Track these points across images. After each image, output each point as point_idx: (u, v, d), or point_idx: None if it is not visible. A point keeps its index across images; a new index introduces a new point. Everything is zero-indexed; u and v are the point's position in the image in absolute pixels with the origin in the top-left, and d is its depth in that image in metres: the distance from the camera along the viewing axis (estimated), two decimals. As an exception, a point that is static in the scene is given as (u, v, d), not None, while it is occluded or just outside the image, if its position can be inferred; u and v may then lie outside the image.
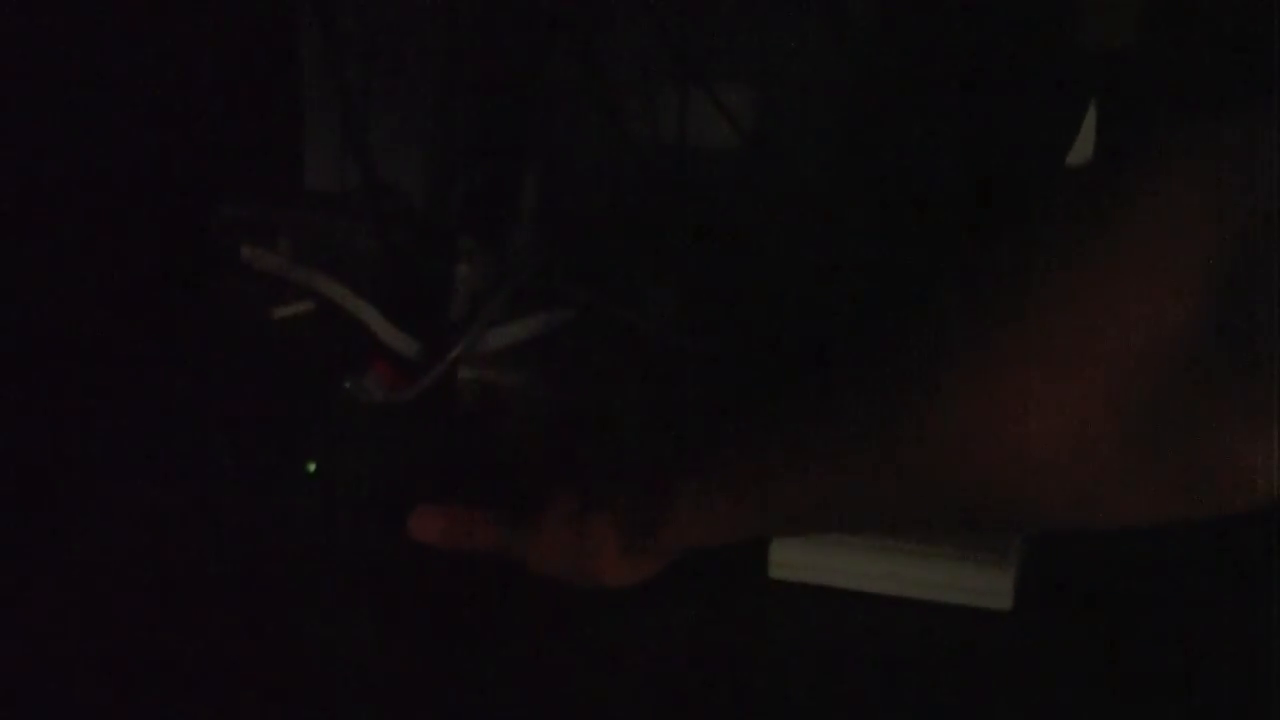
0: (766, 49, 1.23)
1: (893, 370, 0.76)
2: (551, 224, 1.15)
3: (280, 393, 1.11)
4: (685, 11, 1.22)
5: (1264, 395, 0.68)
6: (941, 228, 1.14)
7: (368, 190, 1.23)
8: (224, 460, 1.03)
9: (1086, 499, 0.73)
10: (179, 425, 1.07)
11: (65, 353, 1.12)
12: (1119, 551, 0.94)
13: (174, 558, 0.96)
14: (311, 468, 1.03)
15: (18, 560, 0.94)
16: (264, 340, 1.16)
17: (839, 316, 1.13)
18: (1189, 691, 0.85)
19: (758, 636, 0.91)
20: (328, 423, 1.07)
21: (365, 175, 1.23)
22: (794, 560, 0.92)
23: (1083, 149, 1.13)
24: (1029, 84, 1.14)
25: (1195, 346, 0.68)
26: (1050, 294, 0.72)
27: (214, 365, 1.13)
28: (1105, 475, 0.71)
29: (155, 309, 1.15)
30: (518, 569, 0.93)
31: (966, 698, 0.86)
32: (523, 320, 1.11)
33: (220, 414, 1.08)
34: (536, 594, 0.93)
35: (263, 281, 1.17)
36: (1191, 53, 0.78)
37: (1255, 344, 0.68)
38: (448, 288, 1.12)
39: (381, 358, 1.11)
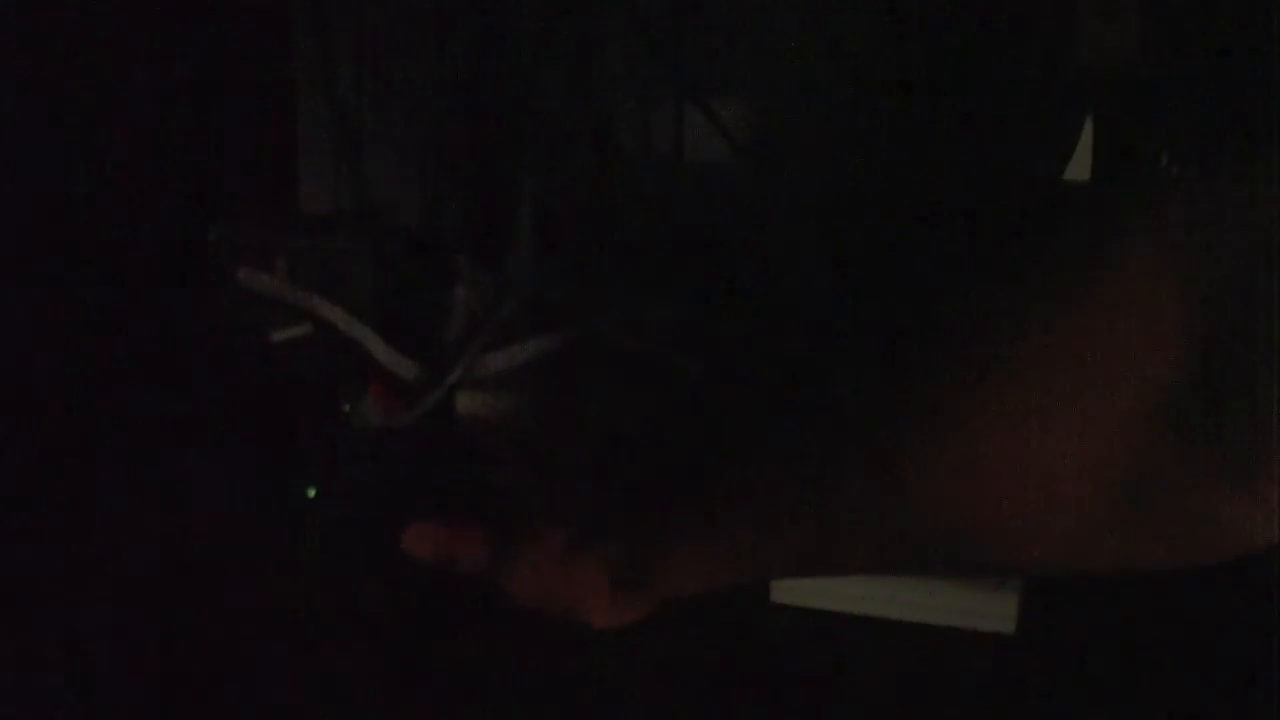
0: (762, 63, 1.23)
1: (882, 421, 0.76)
2: (548, 243, 1.14)
3: (278, 417, 1.10)
4: (679, 26, 1.21)
5: (1246, 451, 0.68)
6: (938, 243, 1.14)
7: (364, 212, 1.23)
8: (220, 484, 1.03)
9: (1071, 551, 0.73)
10: (175, 450, 1.06)
11: (60, 375, 1.11)
12: (1123, 578, 0.94)
13: (169, 582, 0.96)
14: (311, 492, 1.03)
15: (13, 580, 0.94)
16: (261, 364, 1.15)
17: (836, 330, 1.13)
18: (1195, 715, 0.85)
19: (760, 661, 0.90)
20: (326, 447, 1.07)
21: (361, 197, 1.23)
22: (796, 584, 0.92)
23: (1079, 163, 1.13)
24: (1026, 100, 1.14)
25: (1178, 404, 0.68)
26: (1034, 351, 0.72)
27: (211, 389, 1.12)
28: (1089, 529, 0.72)
29: (151, 332, 1.15)
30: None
31: (971, 723, 0.86)
32: (521, 343, 1.10)
33: (217, 439, 1.07)
34: (533, 617, 0.93)
35: (259, 304, 1.16)
36: (1190, 90, 0.78)
37: (1237, 402, 0.68)
38: (445, 310, 1.12)
39: (379, 381, 1.11)
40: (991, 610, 0.90)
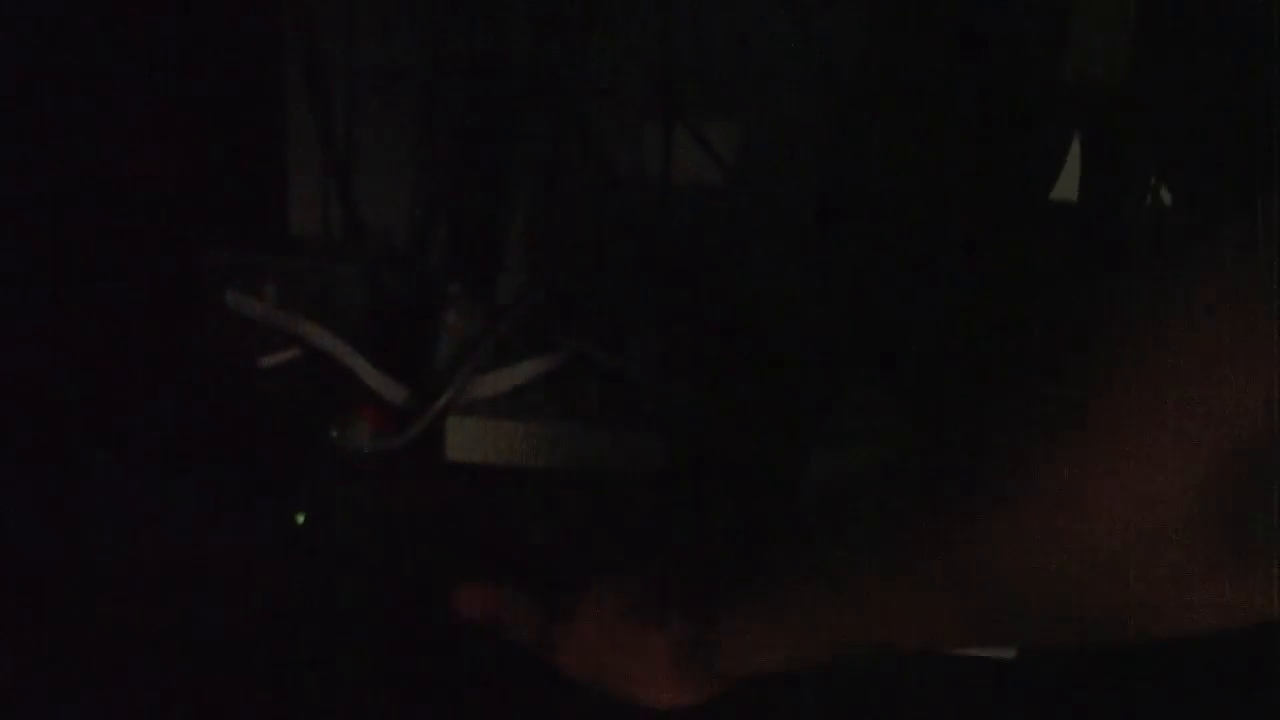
0: (751, 85, 1.23)
1: (947, 475, 0.71)
2: (537, 267, 1.14)
3: (267, 441, 1.10)
4: (668, 48, 1.21)
5: None
6: (926, 262, 1.14)
7: (353, 236, 1.22)
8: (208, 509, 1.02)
9: (1178, 592, 0.68)
10: (164, 474, 1.06)
11: (49, 399, 1.11)
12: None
13: (155, 607, 0.95)
14: (300, 518, 1.02)
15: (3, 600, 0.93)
16: (250, 388, 1.14)
17: (825, 352, 1.13)
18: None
19: (762, 684, 0.90)
20: (316, 472, 1.07)
21: (351, 221, 1.22)
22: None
23: (1066, 182, 1.13)
24: (1014, 117, 1.14)
25: (1270, 442, 0.64)
26: (1126, 381, 0.67)
27: (199, 413, 1.12)
28: (1194, 563, 0.67)
29: (140, 356, 1.14)
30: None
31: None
32: (511, 366, 1.10)
33: (206, 463, 1.07)
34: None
35: (248, 329, 1.16)
36: (1178, 109, 0.77)
37: None
38: (435, 334, 1.11)
39: (369, 405, 1.10)
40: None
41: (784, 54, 1.20)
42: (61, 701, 0.89)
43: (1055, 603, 0.69)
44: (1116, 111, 1.06)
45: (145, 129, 1.18)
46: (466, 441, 1.08)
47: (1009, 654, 0.90)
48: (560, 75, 1.21)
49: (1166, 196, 1.03)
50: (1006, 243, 1.10)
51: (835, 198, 1.18)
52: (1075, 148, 1.12)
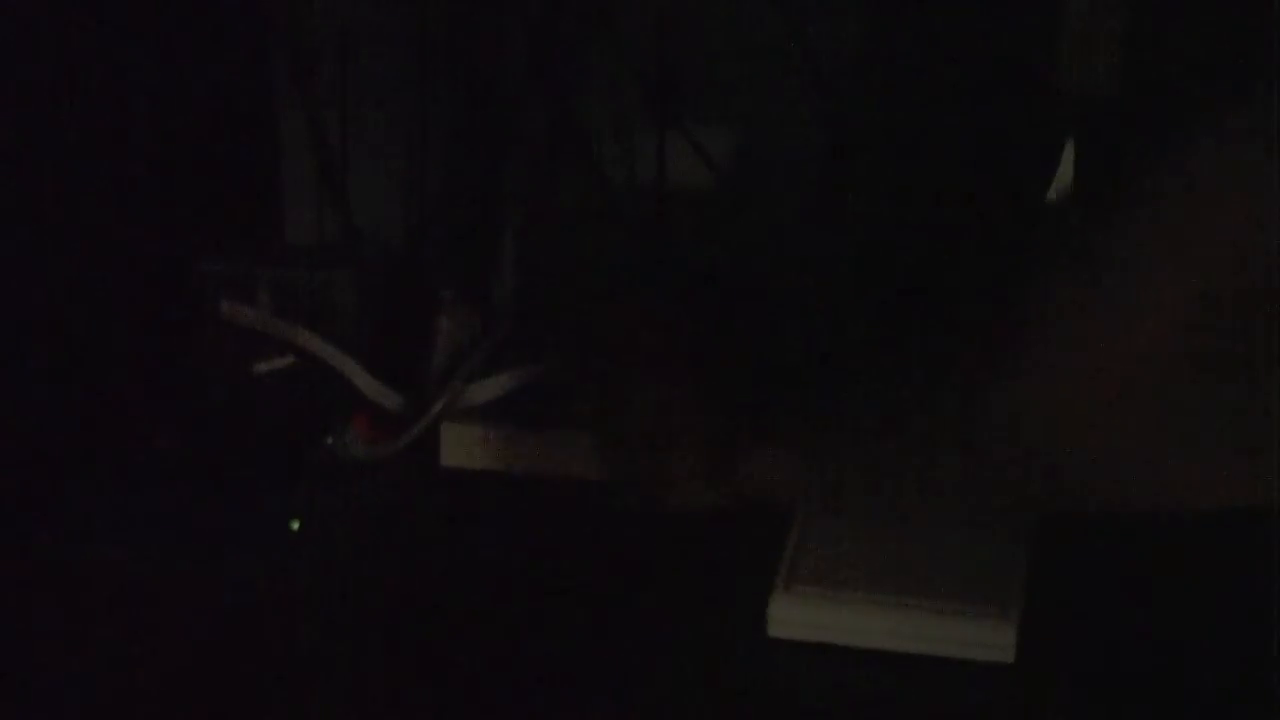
0: (745, 91, 1.23)
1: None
2: (531, 273, 1.14)
3: (262, 449, 1.09)
4: (663, 54, 1.21)
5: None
6: (921, 268, 1.14)
7: (347, 243, 1.22)
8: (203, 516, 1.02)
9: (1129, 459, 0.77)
10: (158, 483, 1.06)
11: (42, 409, 1.10)
12: (1121, 604, 0.94)
13: (152, 616, 0.95)
14: (295, 525, 1.02)
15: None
16: (244, 396, 1.14)
17: (821, 358, 1.13)
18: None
19: (759, 695, 0.90)
20: (311, 479, 1.07)
21: (344, 228, 1.22)
22: (793, 618, 0.92)
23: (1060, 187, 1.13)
24: (1009, 123, 1.14)
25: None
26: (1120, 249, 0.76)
27: (194, 422, 1.12)
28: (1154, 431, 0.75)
29: (134, 366, 1.14)
30: (513, 624, 0.93)
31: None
32: (505, 373, 1.10)
33: (200, 471, 1.07)
34: (535, 651, 0.92)
35: (242, 337, 1.15)
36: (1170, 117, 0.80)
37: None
38: (429, 341, 1.11)
39: (364, 413, 1.10)
40: (990, 640, 0.90)
41: (780, 60, 1.20)
42: (58, 706, 0.88)
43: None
44: (1111, 120, 1.06)
45: (137, 138, 1.18)
46: (462, 448, 1.08)
47: (1007, 659, 0.90)
48: (555, 80, 1.21)
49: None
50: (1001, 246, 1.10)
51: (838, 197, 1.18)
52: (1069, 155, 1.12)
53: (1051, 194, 1.13)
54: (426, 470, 1.08)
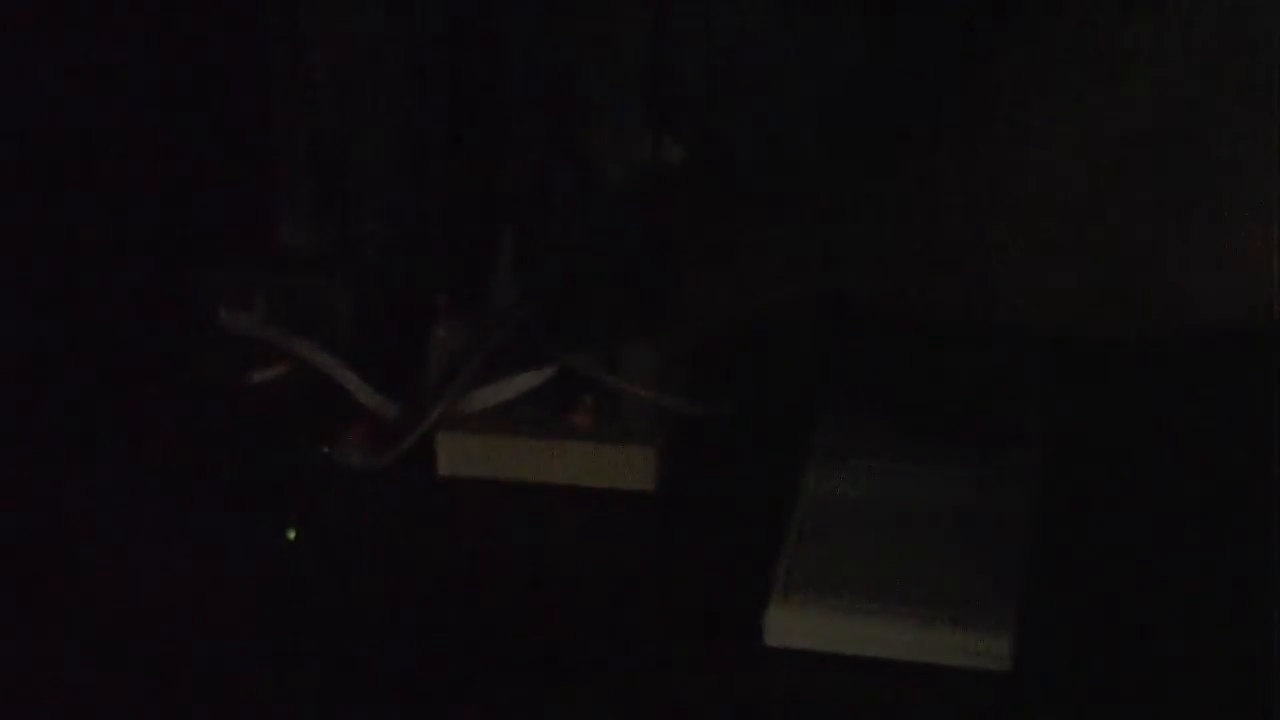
0: (742, 98, 1.22)
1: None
2: (528, 280, 1.14)
3: (259, 458, 1.09)
4: (658, 61, 1.21)
5: (1215, 227, 0.79)
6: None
7: (343, 251, 1.22)
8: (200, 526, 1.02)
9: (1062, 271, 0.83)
10: (153, 492, 1.06)
11: (37, 418, 1.10)
12: (1118, 612, 0.94)
13: (148, 624, 0.95)
14: (292, 534, 1.02)
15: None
16: (241, 405, 1.14)
17: (820, 364, 1.13)
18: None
19: (754, 705, 0.90)
20: (307, 488, 1.06)
21: (341, 236, 1.22)
22: (789, 626, 0.92)
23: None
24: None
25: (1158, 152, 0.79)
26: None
27: (191, 430, 1.12)
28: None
29: (130, 374, 1.14)
30: (509, 632, 0.93)
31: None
32: (502, 381, 1.10)
33: (196, 480, 1.07)
34: (530, 659, 0.92)
35: (239, 345, 1.15)
36: None
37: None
38: (425, 349, 1.11)
39: (360, 421, 1.10)
40: (986, 648, 0.90)
41: (778, 70, 1.20)
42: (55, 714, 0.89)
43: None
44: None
45: (133, 145, 1.18)
46: (458, 457, 1.08)
47: (1003, 667, 0.90)
48: (550, 89, 1.21)
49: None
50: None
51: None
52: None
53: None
54: (423, 479, 1.08)
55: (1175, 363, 1.08)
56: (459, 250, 1.22)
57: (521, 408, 1.09)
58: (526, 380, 1.10)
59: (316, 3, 1.20)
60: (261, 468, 1.08)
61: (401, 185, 1.23)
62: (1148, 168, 0.80)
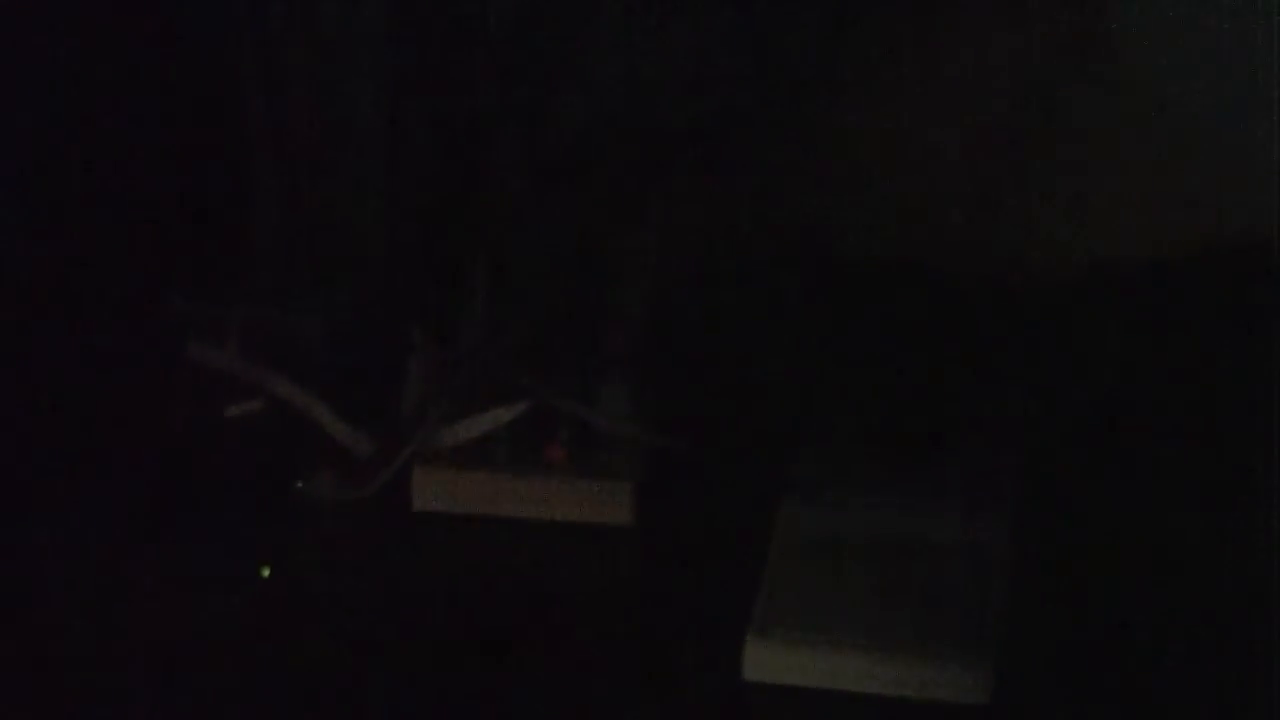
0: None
1: None
2: (503, 314, 1.14)
3: (232, 494, 1.08)
4: (632, 94, 1.21)
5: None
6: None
7: (316, 285, 1.21)
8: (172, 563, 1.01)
9: None
10: (126, 528, 1.05)
11: (6, 452, 1.09)
12: (1096, 646, 0.94)
13: (124, 667, 0.94)
14: (265, 571, 1.02)
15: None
16: (214, 440, 1.13)
17: (796, 405, 1.13)
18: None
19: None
20: (281, 524, 1.06)
21: (312, 269, 1.22)
22: (768, 661, 0.91)
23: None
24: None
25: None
26: None
27: (162, 466, 1.11)
28: None
29: (101, 408, 1.13)
30: (484, 668, 0.93)
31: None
32: (478, 415, 1.09)
33: (169, 517, 1.06)
34: (506, 696, 0.92)
35: (212, 380, 1.15)
36: None
37: None
38: (399, 383, 1.11)
39: (334, 456, 1.10)
40: (965, 682, 0.90)
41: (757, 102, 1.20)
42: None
43: None
44: None
45: (102, 179, 1.17)
46: (433, 492, 1.07)
47: (983, 700, 0.90)
48: (525, 121, 1.21)
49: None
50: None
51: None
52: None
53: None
54: (397, 514, 1.07)
55: (1151, 392, 1.08)
56: (433, 284, 1.21)
57: (497, 442, 1.09)
58: (502, 414, 1.10)
59: (291, 39, 1.20)
60: (234, 503, 1.07)
61: (374, 219, 1.22)
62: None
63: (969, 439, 1.08)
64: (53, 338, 1.14)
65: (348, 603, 1.00)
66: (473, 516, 1.07)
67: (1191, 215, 1.06)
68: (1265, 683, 0.86)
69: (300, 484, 1.08)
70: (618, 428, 1.08)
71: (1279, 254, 1.01)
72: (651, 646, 0.95)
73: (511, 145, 1.21)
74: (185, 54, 1.19)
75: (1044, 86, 1.06)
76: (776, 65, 1.15)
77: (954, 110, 1.10)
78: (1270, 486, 0.93)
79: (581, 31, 1.20)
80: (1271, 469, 0.94)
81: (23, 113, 1.14)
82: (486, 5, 1.19)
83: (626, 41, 1.19)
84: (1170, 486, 1.05)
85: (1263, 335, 0.95)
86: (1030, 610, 0.95)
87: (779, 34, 1.14)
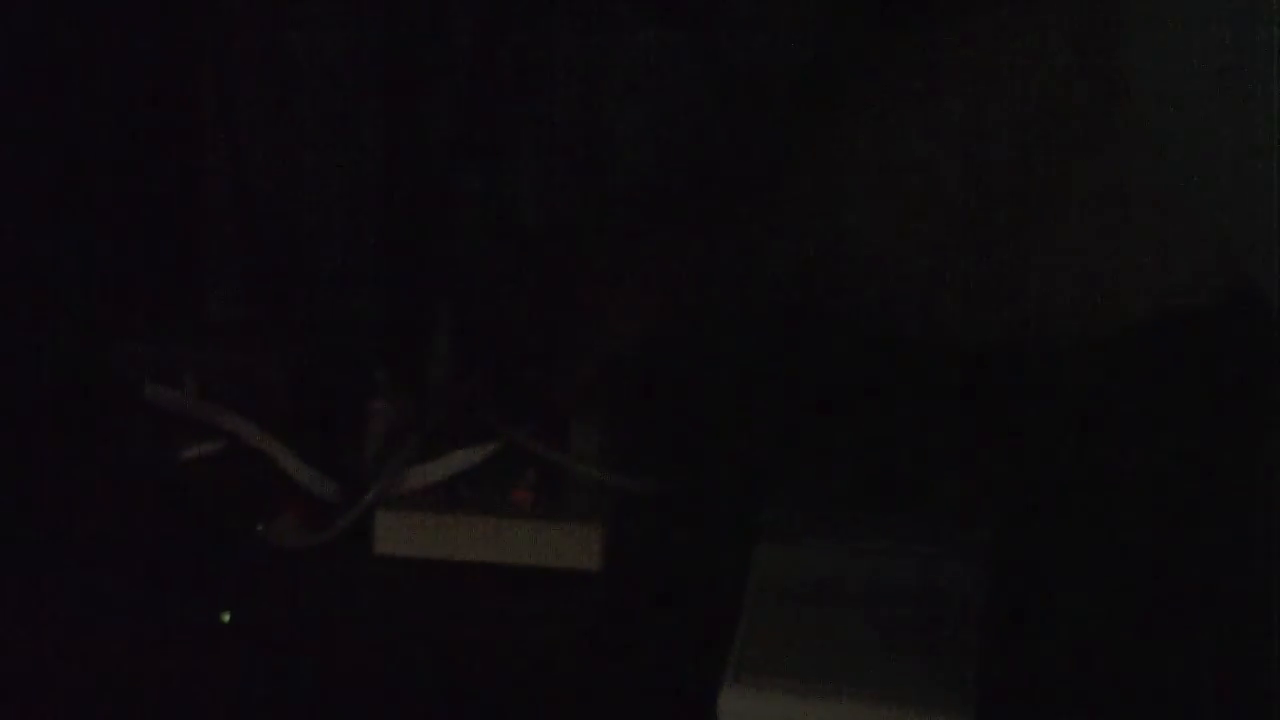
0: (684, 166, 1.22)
1: None
2: (468, 354, 1.13)
3: (190, 538, 1.07)
4: (593, 132, 1.20)
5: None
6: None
7: (275, 323, 1.20)
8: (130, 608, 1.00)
9: None
10: (82, 574, 1.03)
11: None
12: (1075, 688, 0.93)
13: (77, 709, 0.92)
14: (226, 617, 1.00)
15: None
16: (172, 483, 1.12)
17: (769, 448, 1.12)
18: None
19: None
20: (242, 569, 1.04)
21: (270, 308, 1.21)
22: (745, 709, 0.90)
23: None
24: None
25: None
26: None
27: (119, 510, 1.09)
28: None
29: (54, 452, 1.12)
30: (452, 716, 0.91)
31: None
32: (443, 458, 1.08)
33: (126, 561, 1.04)
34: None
35: (168, 421, 1.13)
36: None
37: None
38: (363, 424, 1.09)
39: (295, 499, 1.08)
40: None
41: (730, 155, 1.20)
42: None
43: None
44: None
45: (55, 218, 1.16)
46: (396, 535, 1.06)
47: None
48: (485, 157, 1.20)
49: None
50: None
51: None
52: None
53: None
54: (360, 558, 1.06)
55: (1128, 437, 1.08)
56: (396, 322, 1.20)
57: (462, 485, 1.08)
58: (467, 456, 1.08)
59: (248, 71, 1.19)
60: (193, 548, 1.06)
61: (337, 258, 1.21)
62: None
63: (945, 482, 1.08)
64: (6, 380, 1.13)
65: (308, 650, 0.98)
66: (437, 561, 1.05)
67: (1169, 277, 1.05)
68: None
69: (261, 528, 1.06)
70: (587, 470, 1.07)
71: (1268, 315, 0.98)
72: (622, 694, 0.94)
73: (477, 186, 1.21)
74: (139, 90, 1.18)
75: (1027, 149, 1.04)
76: (756, 117, 1.15)
77: (931, 170, 1.08)
78: (1253, 549, 0.92)
79: (548, 80, 1.20)
80: (1253, 533, 0.93)
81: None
82: (451, 48, 1.19)
83: (596, 93, 1.19)
84: (1147, 535, 1.04)
85: (1245, 397, 0.94)
86: (1008, 656, 0.94)
87: (758, 87, 1.13)
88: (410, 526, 1.06)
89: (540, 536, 1.04)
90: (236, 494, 1.10)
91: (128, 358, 1.15)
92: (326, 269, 1.22)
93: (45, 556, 1.04)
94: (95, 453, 1.13)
